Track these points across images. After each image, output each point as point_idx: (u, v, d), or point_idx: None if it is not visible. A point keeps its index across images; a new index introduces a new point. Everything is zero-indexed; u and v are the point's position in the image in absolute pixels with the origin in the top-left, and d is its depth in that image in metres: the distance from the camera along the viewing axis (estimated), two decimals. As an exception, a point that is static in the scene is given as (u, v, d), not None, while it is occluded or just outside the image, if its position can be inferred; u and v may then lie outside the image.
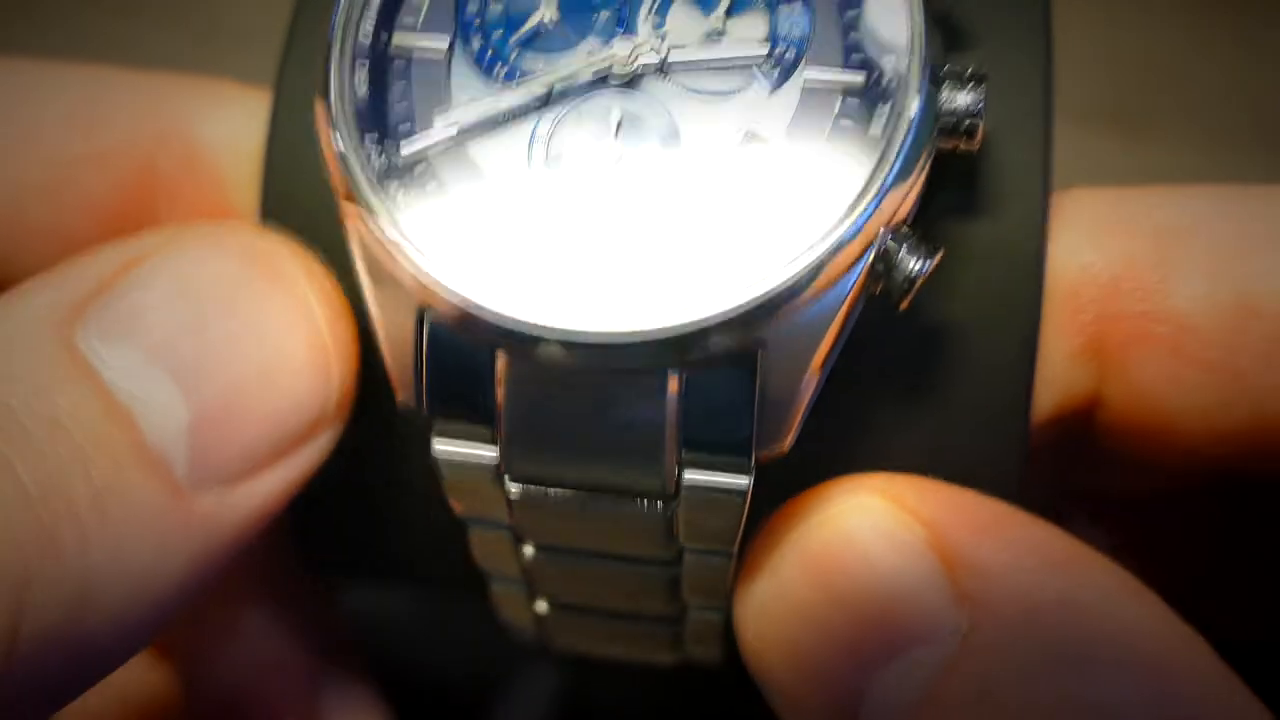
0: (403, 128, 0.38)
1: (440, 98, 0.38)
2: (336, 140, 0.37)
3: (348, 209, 0.38)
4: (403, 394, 0.39)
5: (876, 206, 0.35)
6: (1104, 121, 0.82)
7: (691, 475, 0.38)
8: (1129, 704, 0.34)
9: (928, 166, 0.37)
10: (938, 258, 0.36)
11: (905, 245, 0.36)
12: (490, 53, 0.39)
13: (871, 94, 0.37)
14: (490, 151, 0.38)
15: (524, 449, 0.38)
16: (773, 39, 0.38)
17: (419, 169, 0.37)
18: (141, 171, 0.46)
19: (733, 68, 0.38)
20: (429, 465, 0.39)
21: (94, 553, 0.34)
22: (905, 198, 0.36)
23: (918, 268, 0.36)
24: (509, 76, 0.39)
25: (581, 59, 0.38)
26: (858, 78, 0.37)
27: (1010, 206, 0.40)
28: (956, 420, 0.41)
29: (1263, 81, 0.84)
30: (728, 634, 0.45)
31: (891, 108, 0.36)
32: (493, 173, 0.38)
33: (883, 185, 0.36)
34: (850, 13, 0.38)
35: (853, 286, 0.36)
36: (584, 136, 0.38)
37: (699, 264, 0.36)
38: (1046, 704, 0.34)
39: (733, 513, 0.38)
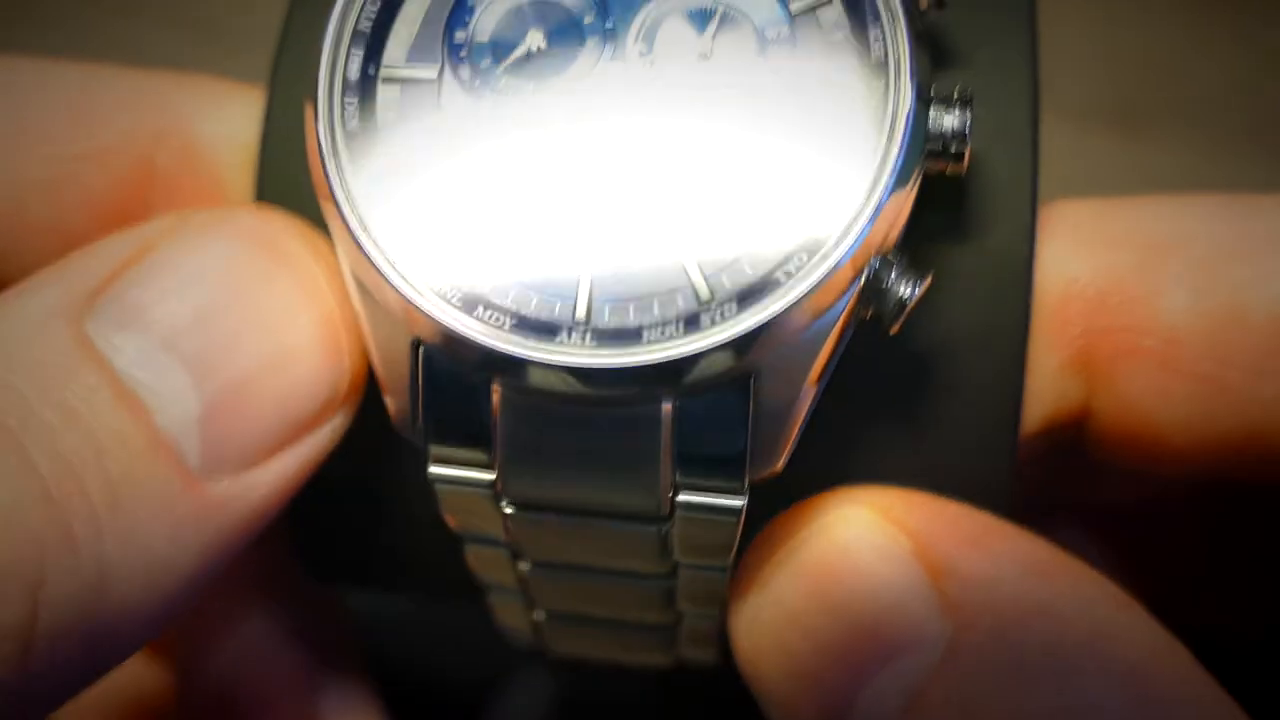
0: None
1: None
2: (330, 178, 0.37)
3: (340, 234, 0.38)
4: (398, 417, 0.39)
5: (866, 233, 0.36)
6: (1101, 121, 0.82)
7: (686, 497, 0.38)
8: (1108, 711, 0.34)
9: (916, 190, 0.37)
10: (927, 282, 0.36)
11: (895, 270, 0.36)
12: (478, 82, 0.39)
13: None
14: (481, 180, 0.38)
15: (520, 472, 0.38)
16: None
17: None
18: (140, 168, 0.46)
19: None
20: (427, 472, 0.40)
21: (108, 543, 0.34)
22: (894, 223, 0.37)
23: (908, 293, 0.36)
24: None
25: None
26: None
27: (998, 227, 0.41)
28: (947, 439, 0.41)
29: (1260, 80, 0.84)
30: (723, 636, 0.45)
31: (881, 129, 0.36)
32: (485, 199, 0.38)
33: (873, 212, 0.36)
34: (835, 35, 0.38)
35: (843, 312, 0.37)
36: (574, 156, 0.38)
37: (689, 291, 0.36)
38: (1026, 711, 0.35)
39: (727, 532, 0.39)
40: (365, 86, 0.39)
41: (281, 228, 0.40)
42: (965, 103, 0.37)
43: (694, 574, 0.42)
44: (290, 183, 0.42)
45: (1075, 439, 0.45)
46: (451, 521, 0.41)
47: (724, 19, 0.38)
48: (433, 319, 0.36)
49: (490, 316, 0.36)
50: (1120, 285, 0.42)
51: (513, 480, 0.38)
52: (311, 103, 0.38)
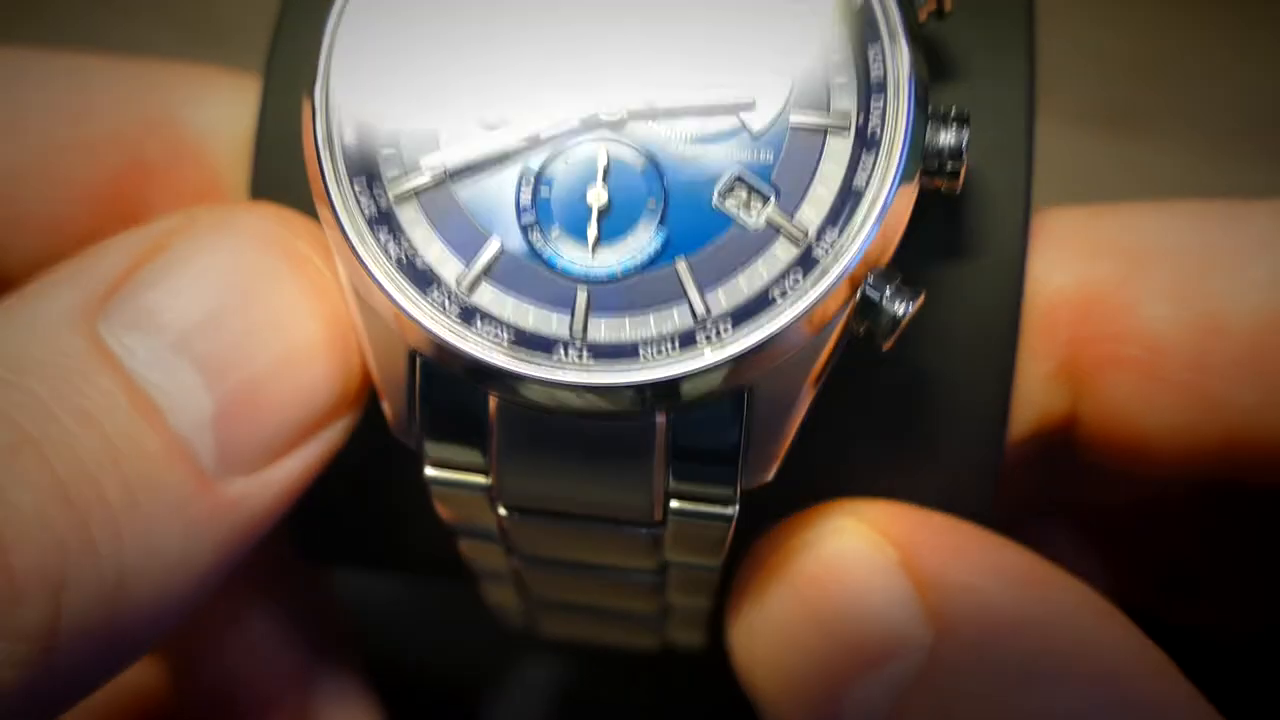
0: (391, 175, 0.38)
1: (428, 143, 0.38)
2: (326, 183, 0.38)
3: (336, 241, 0.38)
4: (395, 422, 0.40)
5: (862, 251, 0.36)
6: (1099, 122, 0.82)
7: (679, 504, 0.39)
8: (1086, 716, 0.35)
9: (911, 207, 0.37)
10: (920, 300, 0.37)
11: (888, 288, 0.37)
12: None
13: (859, 136, 0.37)
14: (477, 193, 0.38)
15: (516, 478, 0.39)
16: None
17: (407, 214, 0.38)
18: (131, 158, 0.46)
19: (718, 110, 0.38)
20: (423, 474, 0.40)
21: (126, 545, 0.35)
22: (890, 240, 0.37)
23: (902, 310, 0.36)
24: (496, 122, 0.38)
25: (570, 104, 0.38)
26: (844, 120, 0.38)
27: (991, 243, 0.41)
28: (934, 451, 0.42)
29: (1259, 80, 0.84)
30: (711, 621, 0.46)
31: (878, 150, 0.37)
32: (478, 212, 0.38)
33: (869, 230, 0.36)
34: (835, 56, 0.38)
35: (837, 328, 0.37)
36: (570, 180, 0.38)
37: (685, 308, 0.37)
38: (1006, 716, 0.36)
39: (719, 538, 0.40)
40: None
41: (290, 227, 0.40)
42: (962, 121, 0.37)
43: (684, 572, 0.43)
44: (286, 169, 0.42)
45: (1066, 443, 0.46)
46: (444, 515, 0.42)
47: None
48: (430, 333, 0.37)
49: (488, 331, 0.37)
50: (1104, 295, 0.43)
51: (508, 485, 0.39)
52: (309, 98, 0.38)
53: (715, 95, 0.38)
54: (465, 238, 0.38)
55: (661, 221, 0.38)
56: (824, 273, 0.36)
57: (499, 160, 0.38)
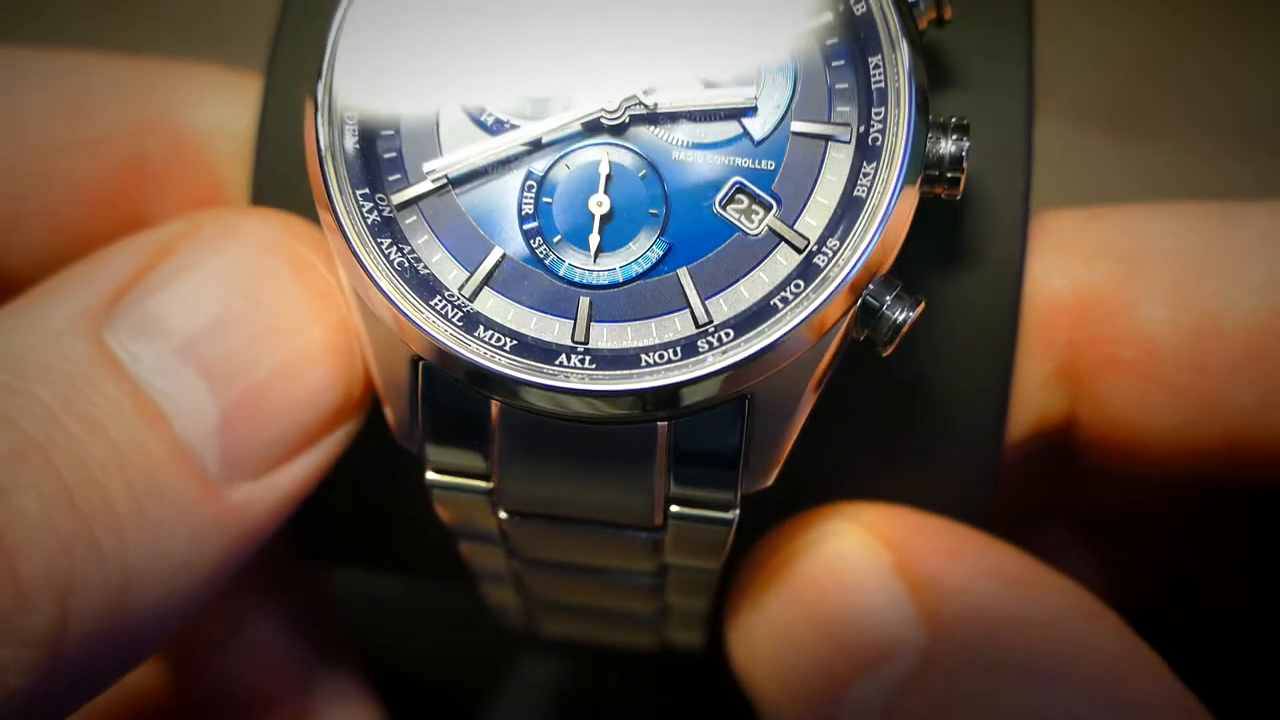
0: (393, 180, 0.38)
1: (430, 148, 0.39)
2: (328, 190, 0.38)
3: (338, 247, 0.38)
4: (397, 427, 0.40)
5: (864, 259, 0.36)
6: (1098, 122, 0.82)
7: (679, 509, 0.39)
8: (1078, 715, 0.36)
9: (912, 215, 0.37)
10: (920, 308, 0.37)
11: (889, 296, 0.37)
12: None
13: (860, 144, 0.37)
14: (480, 200, 0.38)
15: (517, 483, 0.39)
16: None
17: (409, 220, 0.38)
18: (131, 157, 0.46)
19: (720, 117, 0.38)
20: (424, 479, 0.40)
21: (132, 551, 0.35)
22: (890, 248, 0.37)
23: (902, 317, 0.37)
24: (498, 126, 0.39)
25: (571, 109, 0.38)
26: (845, 128, 0.38)
27: (990, 249, 0.41)
28: (931, 455, 0.42)
29: (1258, 81, 0.84)
30: (709, 621, 0.47)
31: (879, 158, 0.37)
32: (480, 218, 0.38)
33: (870, 239, 0.36)
34: (837, 64, 0.38)
35: (838, 335, 0.37)
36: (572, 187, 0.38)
37: (687, 316, 0.37)
38: (999, 715, 0.36)
39: (719, 542, 0.40)
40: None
41: (293, 232, 0.40)
42: (962, 130, 0.37)
43: (684, 574, 0.43)
44: (287, 168, 0.42)
45: (1064, 445, 0.46)
46: (446, 519, 0.42)
47: None
48: (432, 338, 0.37)
49: (491, 337, 0.37)
50: (1101, 298, 0.43)
51: (509, 490, 0.39)
52: (311, 97, 0.38)
53: (717, 97, 0.38)
54: (468, 244, 0.38)
55: (663, 229, 0.38)
56: (826, 280, 0.36)
57: (501, 166, 0.38)
